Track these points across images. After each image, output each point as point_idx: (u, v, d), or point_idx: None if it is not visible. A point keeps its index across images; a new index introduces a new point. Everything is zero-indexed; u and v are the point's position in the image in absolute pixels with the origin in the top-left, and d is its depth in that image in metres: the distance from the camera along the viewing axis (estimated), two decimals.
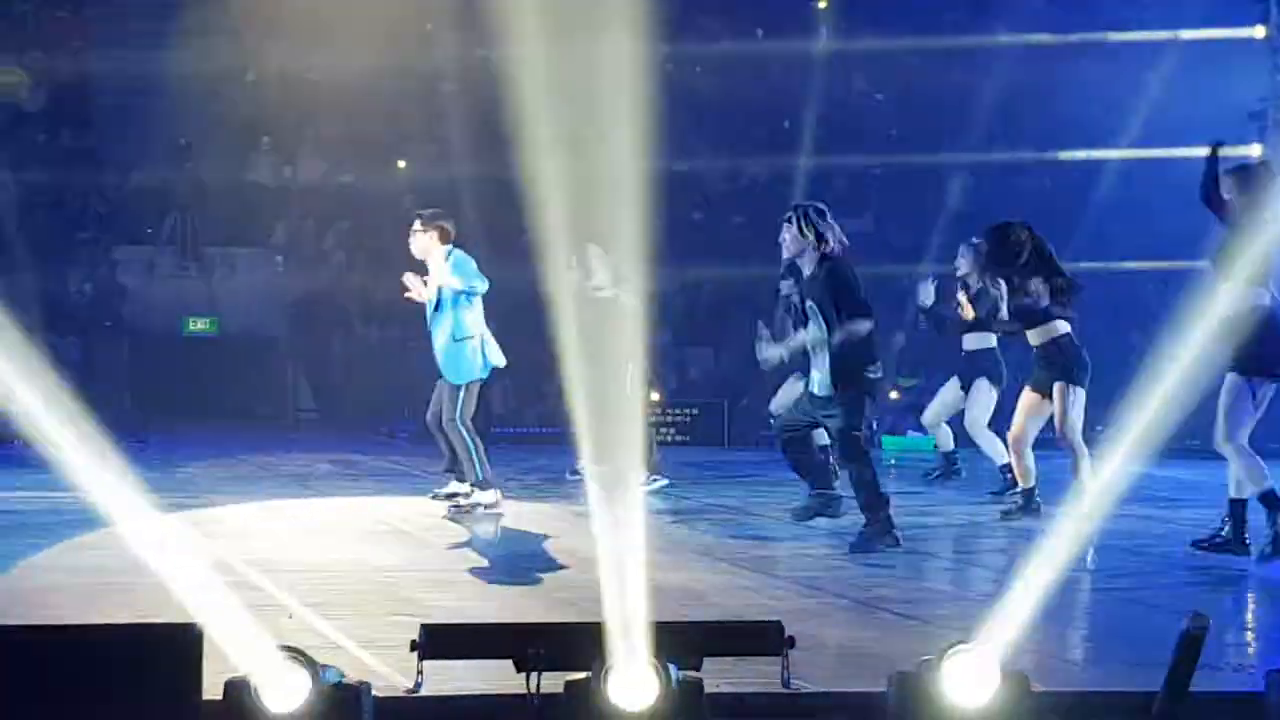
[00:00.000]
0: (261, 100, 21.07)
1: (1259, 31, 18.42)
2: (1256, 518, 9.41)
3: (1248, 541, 9.37)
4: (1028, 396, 11.15)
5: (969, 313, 12.49)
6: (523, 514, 11.64)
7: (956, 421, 13.45)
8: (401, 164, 21.81)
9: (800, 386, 10.91)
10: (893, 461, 16.24)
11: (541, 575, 8.91)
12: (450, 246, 11.55)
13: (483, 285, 11.50)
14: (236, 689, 4.05)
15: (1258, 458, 9.35)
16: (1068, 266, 11.16)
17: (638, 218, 9.43)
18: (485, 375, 11.68)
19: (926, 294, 12.65)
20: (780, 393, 13.03)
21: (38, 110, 21.00)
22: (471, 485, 11.56)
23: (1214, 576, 9.16)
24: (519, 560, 9.59)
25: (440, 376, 11.63)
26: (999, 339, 12.79)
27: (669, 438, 17.67)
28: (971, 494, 12.99)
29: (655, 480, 13.04)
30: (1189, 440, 12.18)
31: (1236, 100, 17.96)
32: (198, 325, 21.27)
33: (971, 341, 13.09)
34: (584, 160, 9.85)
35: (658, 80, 8.59)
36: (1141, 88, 18.31)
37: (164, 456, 15.17)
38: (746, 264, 17.40)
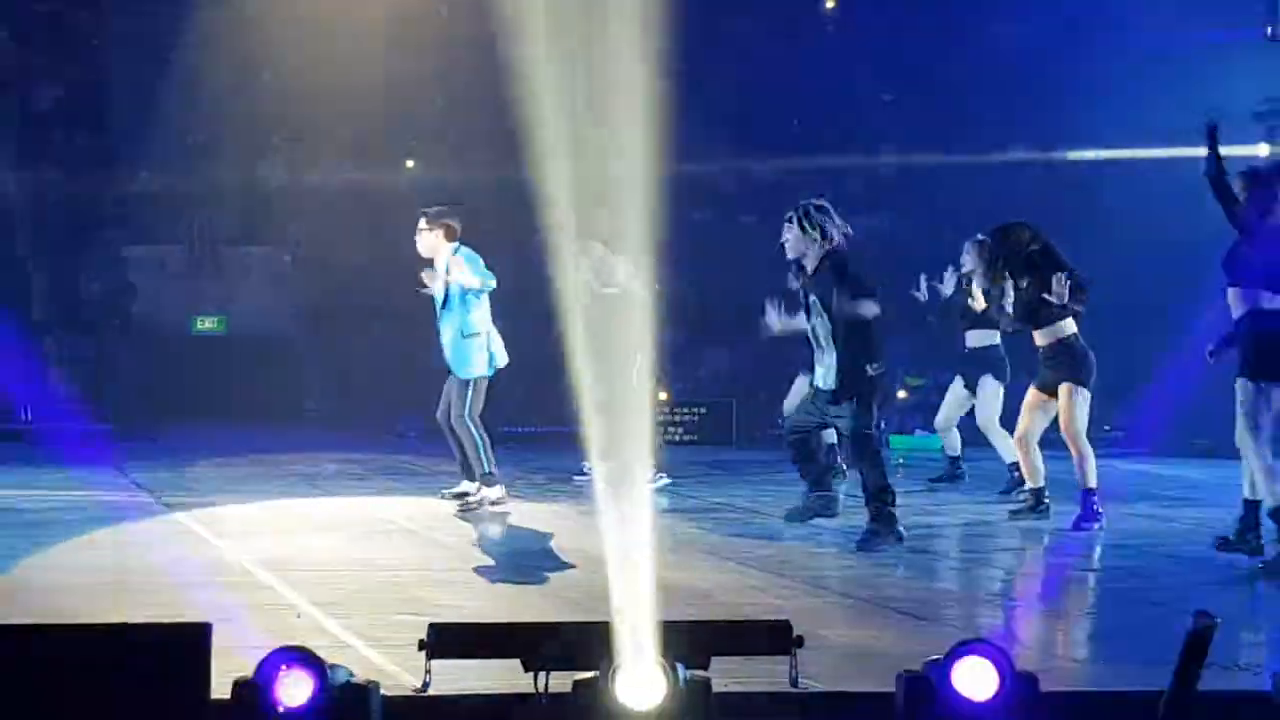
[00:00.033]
0: (276, 100, 21.10)
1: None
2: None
3: (1261, 542, 9.35)
4: (1033, 395, 11.14)
5: (980, 303, 12.57)
6: (530, 513, 11.66)
7: (966, 422, 13.44)
8: (409, 164, 21.83)
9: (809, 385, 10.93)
10: (900, 461, 16.23)
11: (549, 575, 8.92)
12: (457, 243, 11.57)
13: (491, 282, 11.55)
14: (245, 688, 4.05)
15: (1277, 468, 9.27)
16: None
17: (649, 218, 9.44)
18: (491, 374, 11.71)
19: (948, 283, 12.96)
20: (792, 392, 13.08)
21: (53, 109, 21.02)
22: (478, 481, 11.59)
23: (1221, 576, 9.14)
24: (527, 559, 9.60)
25: (449, 373, 11.68)
26: (1003, 336, 12.83)
27: (677, 437, 17.67)
28: (979, 493, 12.99)
29: (660, 478, 13.05)
30: (1196, 440, 12.20)
31: (1242, 101, 17.92)
32: (205, 324, 21.31)
33: (975, 339, 13.12)
34: (594, 161, 9.85)
35: (670, 80, 8.57)
36: (1147, 87, 18.27)
37: (173, 454, 15.22)
38: (758, 263, 17.38)
